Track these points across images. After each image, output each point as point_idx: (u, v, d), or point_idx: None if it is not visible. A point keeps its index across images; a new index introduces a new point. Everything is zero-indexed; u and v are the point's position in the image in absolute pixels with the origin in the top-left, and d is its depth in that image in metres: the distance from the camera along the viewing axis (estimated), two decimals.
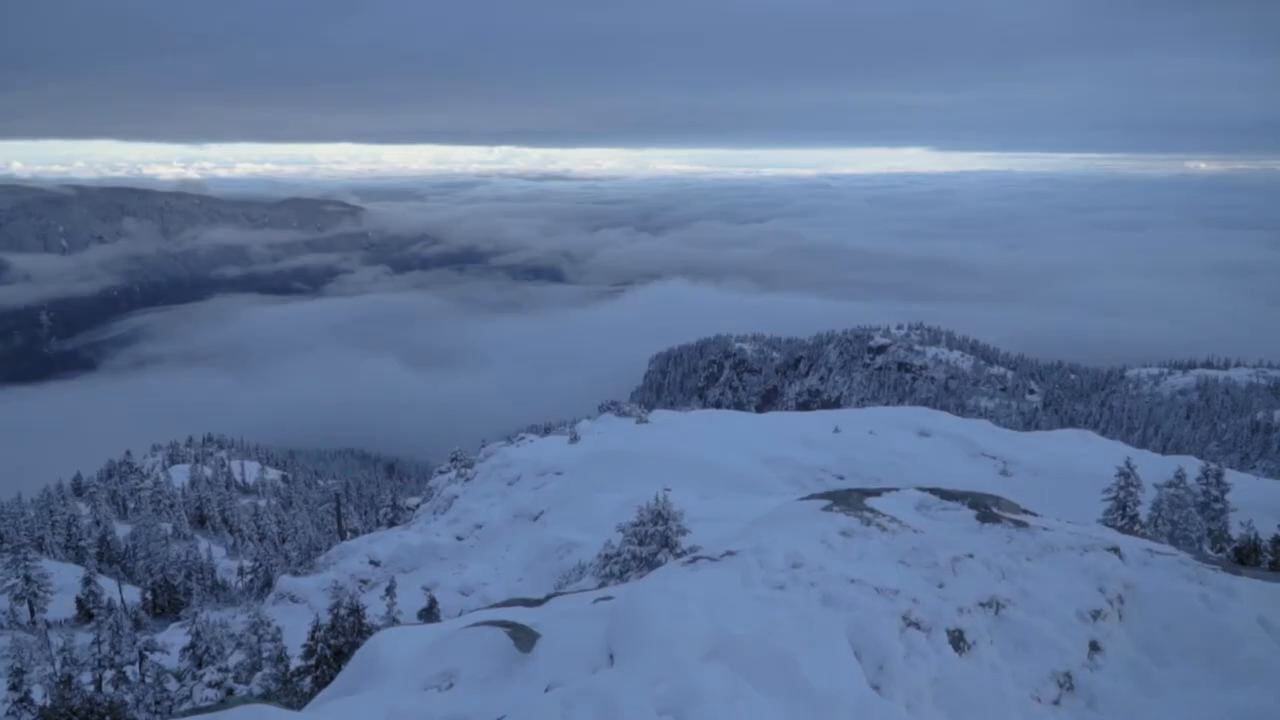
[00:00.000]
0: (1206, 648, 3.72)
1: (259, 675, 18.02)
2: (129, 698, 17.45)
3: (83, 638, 22.35)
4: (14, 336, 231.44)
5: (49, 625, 27.39)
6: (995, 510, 4.90)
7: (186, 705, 16.65)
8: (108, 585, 33.68)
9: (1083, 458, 30.31)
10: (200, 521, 52.97)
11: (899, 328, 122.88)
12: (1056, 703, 3.46)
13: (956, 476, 26.08)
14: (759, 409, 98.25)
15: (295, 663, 17.91)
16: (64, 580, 32.60)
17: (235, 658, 19.98)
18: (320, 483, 70.48)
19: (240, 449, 75.73)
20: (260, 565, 38.83)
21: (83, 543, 42.10)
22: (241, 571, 40.62)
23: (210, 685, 17.53)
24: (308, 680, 16.93)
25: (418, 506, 40.31)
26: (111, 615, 20.46)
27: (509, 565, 27.42)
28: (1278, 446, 77.79)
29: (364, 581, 29.34)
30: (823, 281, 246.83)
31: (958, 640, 3.54)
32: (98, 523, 44.30)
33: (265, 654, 18.63)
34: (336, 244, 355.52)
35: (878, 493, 5.19)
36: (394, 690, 4.03)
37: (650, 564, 16.77)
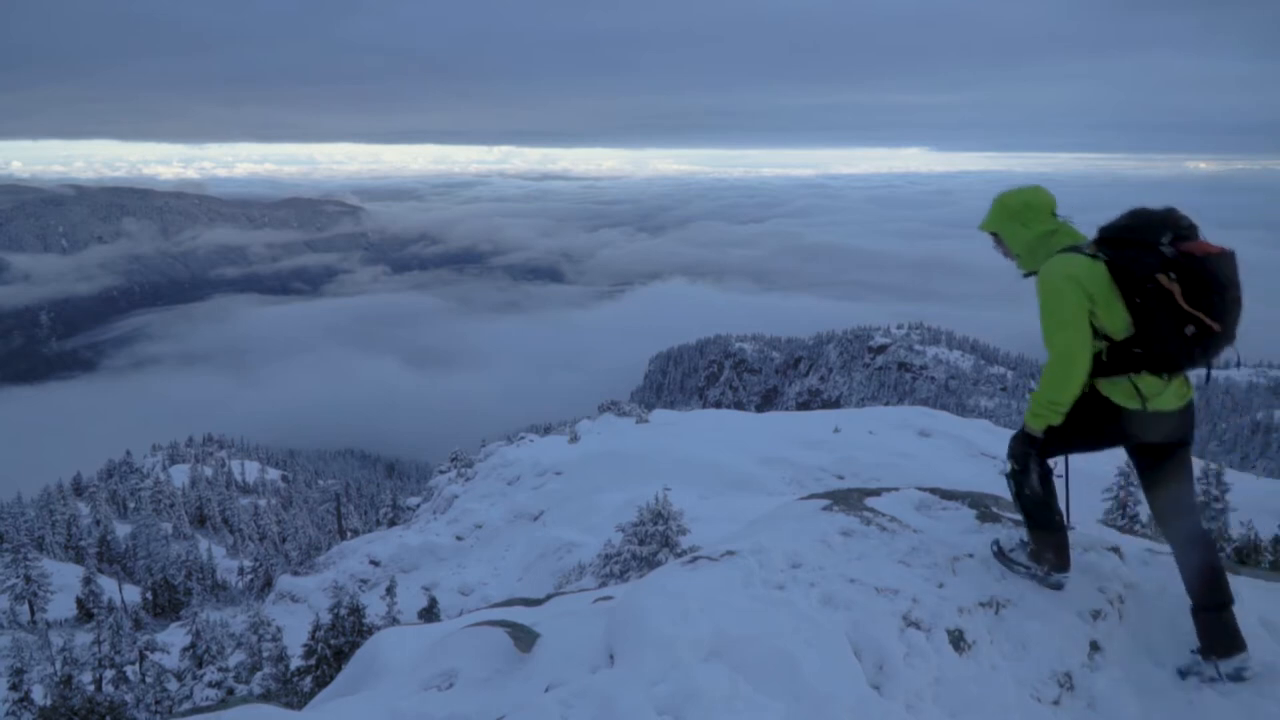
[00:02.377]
0: None
1: (259, 675, 18.03)
2: (129, 697, 17.45)
3: (83, 637, 22.34)
4: (14, 336, 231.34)
5: (49, 625, 27.39)
6: (995, 510, 4.90)
7: (186, 705, 16.64)
8: (108, 585, 33.69)
9: (1082, 457, 30.18)
10: (200, 521, 52.99)
11: (899, 328, 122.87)
12: (1056, 703, 3.45)
13: (956, 476, 26.09)
14: (759, 409, 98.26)
15: (295, 663, 17.91)
16: (64, 580, 32.61)
17: (235, 658, 19.99)
18: (320, 483, 70.48)
19: (240, 449, 75.72)
20: (260, 565, 38.85)
21: (83, 543, 42.14)
22: (241, 571, 40.65)
23: (210, 685, 17.54)
24: (308, 680, 16.94)
25: (418, 506, 40.29)
26: (111, 615, 20.47)
27: (509, 565, 27.40)
28: (1278, 446, 77.76)
29: (364, 581, 29.34)
30: (823, 281, 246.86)
31: (958, 640, 3.54)
32: (98, 522, 44.32)
33: (265, 654, 18.63)
34: (336, 244, 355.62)
35: (878, 492, 5.19)
36: (394, 690, 4.02)
37: (650, 564, 16.78)
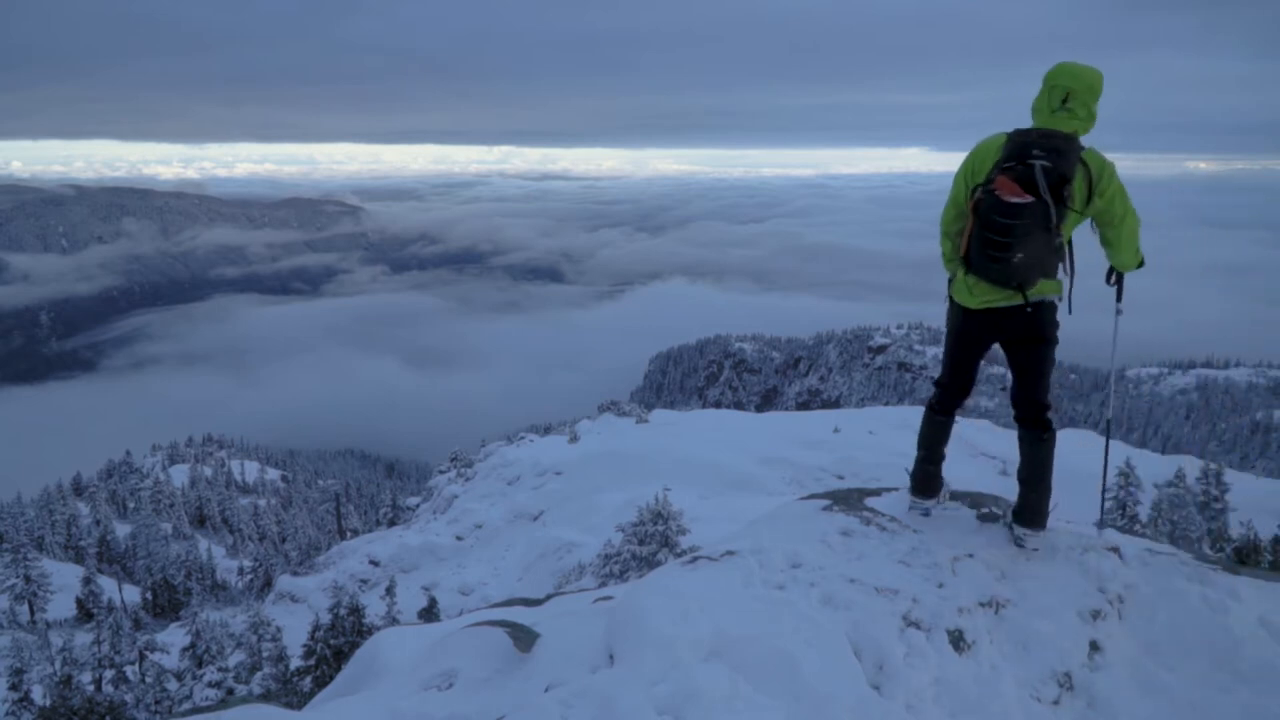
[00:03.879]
0: (1208, 648, 3.72)
1: (259, 675, 18.03)
2: (129, 697, 17.45)
3: (83, 637, 22.34)
4: (14, 336, 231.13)
5: (49, 625, 27.38)
6: (995, 510, 4.90)
7: (186, 705, 16.64)
8: (108, 585, 33.67)
9: (1082, 458, 30.22)
10: (200, 521, 52.96)
11: (899, 328, 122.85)
12: (1056, 703, 3.45)
13: (956, 476, 26.06)
14: (759, 409, 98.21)
15: (295, 663, 17.91)
16: (64, 580, 32.58)
17: (235, 658, 19.98)
18: (320, 483, 70.44)
19: (240, 449, 75.67)
20: (260, 565, 38.84)
21: (83, 542, 42.10)
22: (241, 571, 40.63)
23: (210, 685, 17.53)
24: (308, 680, 16.94)
25: (418, 506, 40.29)
26: (111, 615, 20.45)
27: (509, 565, 27.40)
28: (1277, 446, 77.75)
29: (364, 581, 29.34)
30: (823, 281, 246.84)
31: (958, 640, 3.54)
32: (98, 522, 44.29)
33: (265, 654, 18.63)
34: (336, 244, 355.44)
35: (878, 492, 5.19)
36: (394, 690, 4.02)
37: (650, 564, 16.77)
